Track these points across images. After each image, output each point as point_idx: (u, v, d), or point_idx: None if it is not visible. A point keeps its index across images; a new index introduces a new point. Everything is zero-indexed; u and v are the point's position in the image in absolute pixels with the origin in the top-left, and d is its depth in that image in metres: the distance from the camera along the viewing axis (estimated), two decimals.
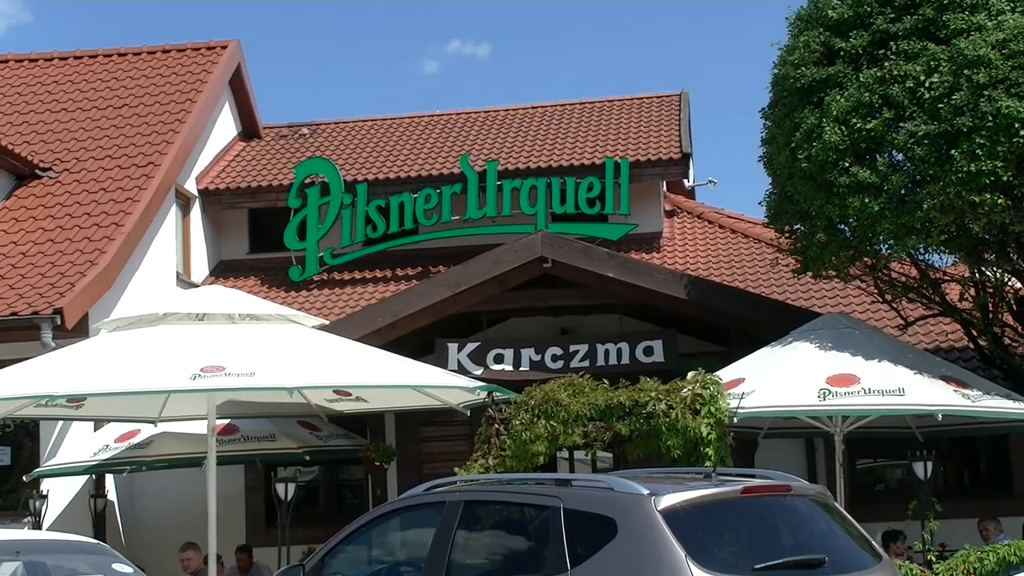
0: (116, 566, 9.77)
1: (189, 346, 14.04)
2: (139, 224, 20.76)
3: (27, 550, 9.76)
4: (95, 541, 11.37)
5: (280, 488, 17.22)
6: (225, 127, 26.15)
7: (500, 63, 65.04)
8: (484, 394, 15.08)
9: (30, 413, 15.46)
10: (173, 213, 22.85)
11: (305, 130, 27.34)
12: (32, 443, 18.95)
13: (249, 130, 27.10)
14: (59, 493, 18.69)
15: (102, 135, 23.14)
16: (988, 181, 14.45)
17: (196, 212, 24.04)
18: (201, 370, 13.45)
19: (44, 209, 21.17)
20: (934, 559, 14.40)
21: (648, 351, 18.77)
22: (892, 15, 15.46)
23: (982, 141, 14.36)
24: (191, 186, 23.96)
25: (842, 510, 9.99)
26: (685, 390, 14.63)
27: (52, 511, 18.31)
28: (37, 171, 22.06)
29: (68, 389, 13.75)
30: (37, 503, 17.74)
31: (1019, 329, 17.46)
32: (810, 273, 17.30)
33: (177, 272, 22.77)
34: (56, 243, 20.17)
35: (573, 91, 64.59)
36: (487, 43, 64.34)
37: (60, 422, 18.44)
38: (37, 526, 17.44)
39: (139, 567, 10.00)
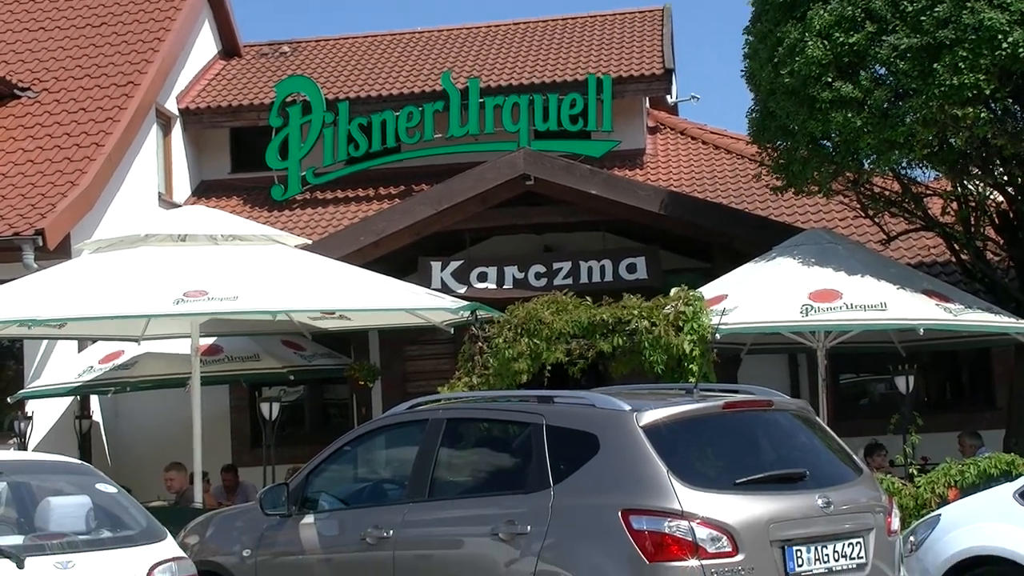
0: (100, 486, 9.77)
1: (171, 269, 14.15)
2: (120, 144, 20.70)
3: (10, 470, 9.75)
4: (79, 461, 11.42)
5: (265, 408, 17.29)
6: (205, 46, 25.97)
7: None
8: (468, 313, 15.12)
9: (12, 332, 15.61)
10: (154, 133, 22.76)
11: (286, 48, 27.15)
12: (16, 364, 19.07)
13: (229, 49, 26.88)
14: (44, 414, 18.80)
15: (81, 54, 22.99)
16: (971, 94, 14.47)
17: (177, 132, 23.93)
18: (184, 295, 13.59)
19: (24, 130, 21.07)
20: (916, 472, 14.56)
21: (631, 268, 18.85)
22: None
23: (964, 54, 14.36)
24: (171, 106, 23.83)
25: (823, 424, 10.09)
26: (668, 307, 14.64)
27: (37, 432, 18.41)
28: (16, 91, 21.93)
29: (51, 313, 13.86)
30: (22, 424, 17.87)
31: (1001, 243, 17.54)
32: (793, 189, 17.32)
33: (159, 192, 22.72)
34: (36, 164, 20.11)
35: (555, 6, 64.06)
36: None
37: (44, 343, 18.53)
38: (22, 447, 17.55)
39: (124, 487, 10.07)
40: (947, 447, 16.81)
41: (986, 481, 13.54)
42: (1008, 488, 11.42)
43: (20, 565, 8.45)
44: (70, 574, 8.61)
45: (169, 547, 9.36)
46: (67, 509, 9.27)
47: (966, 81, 14.33)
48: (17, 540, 8.86)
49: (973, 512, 11.33)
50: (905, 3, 14.76)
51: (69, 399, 19.17)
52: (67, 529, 9.05)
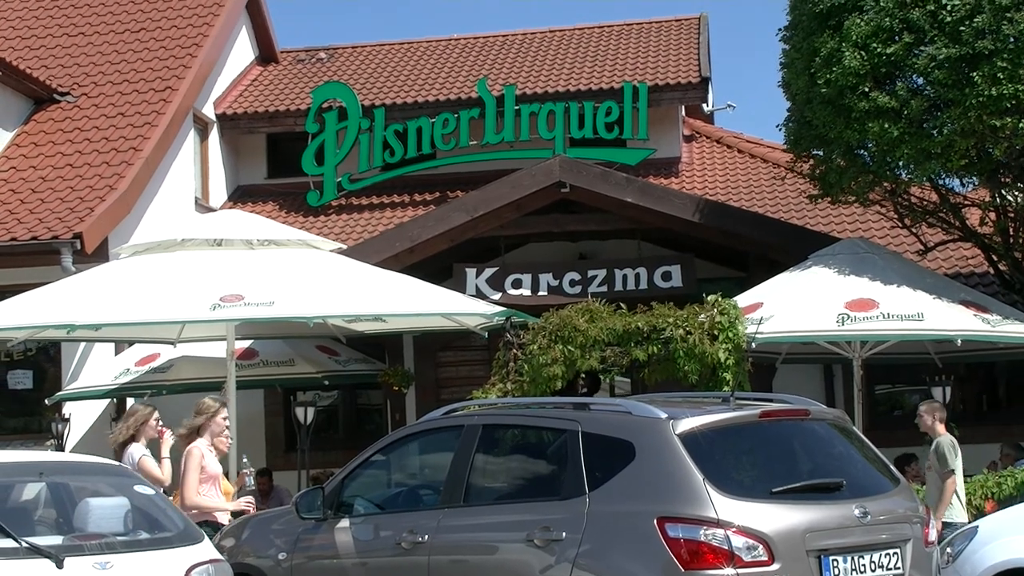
0: (137, 488, 9.77)
1: (208, 273, 14.18)
2: (157, 149, 20.81)
3: (50, 471, 9.76)
4: (117, 463, 11.47)
5: (300, 412, 17.37)
6: (242, 51, 26.10)
7: None
8: (502, 319, 15.18)
9: (51, 336, 15.68)
10: (191, 138, 22.90)
11: (322, 54, 27.24)
12: (54, 367, 19.14)
13: (266, 54, 27.00)
14: (81, 416, 18.89)
15: (120, 59, 23.11)
16: (1009, 104, 14.50)
17: (214, 137, 24.07)
18: (220, 299, 13.63)
19: (63, 134, 21.22)
20: None
21: (666, 276, 18.84)
22: None
23: (1003, 64, 14.38)
24: (209, 111, 23.98)
25: (860, 434, 10.05)
26: (703, 316, 14.67)
27: (74, 434, 18.52)
28: (55, 95, 22.08)
29: (89, 319, 13.95)
30: (59, 426, 17.96)
31: None
32: (829, 198, 17.34)
33: (196, 197, 22.85)
34: (75, 168, 20.24)
35: (591, 15, 64.00)
36: None
37: (81, 345, 18.64)
38: (60, 448, 17.62)
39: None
40: (983, 459, 16.77)
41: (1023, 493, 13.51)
42: None
43: (59, 565, 8.47)
44: (108, 575, 8.61)
45: (206, 549, 9.36)
46: (105, 510, 9.30)
47: (1005, 91, 14.36)
48: (56, 540, 8.89)
49: (1011, 524, 11.29)
50: (943, 14, 14.76)
51: (105, 401, 19.24)
52: (105, 530, 9.06)
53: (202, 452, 12.16)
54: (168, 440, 13.01)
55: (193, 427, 12.35)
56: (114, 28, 24.13)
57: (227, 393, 15.08)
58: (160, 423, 13.19)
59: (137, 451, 12.81)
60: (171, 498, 12.76)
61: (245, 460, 13.43)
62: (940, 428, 13.95)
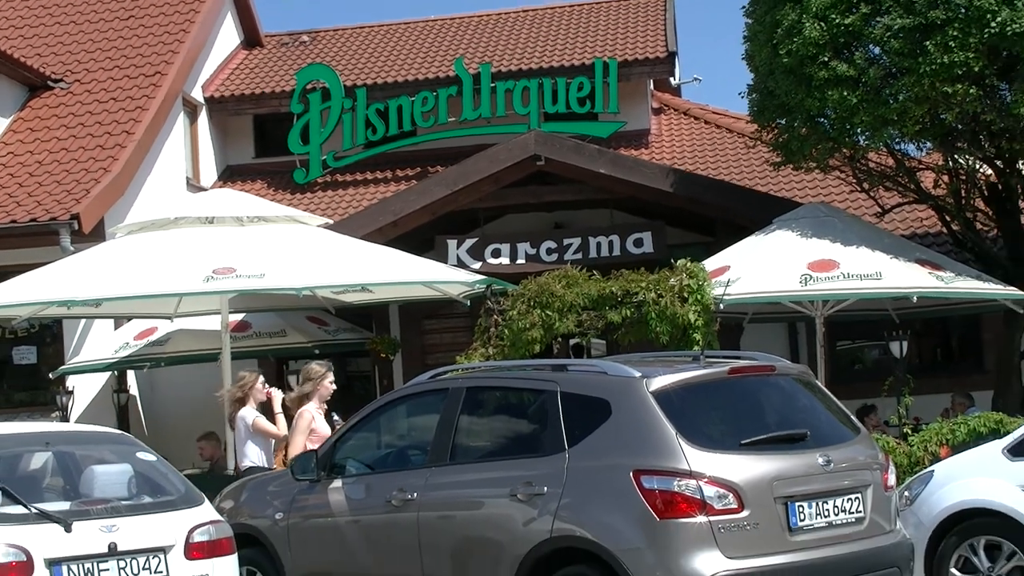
0: (140, 454, 9.97)
1: (201, 249, 14.55)
2: (149, 132, 21.13)
3: (56, 441, 9.96)
4: (120, 432, 11.72)
5: (292, 381, 17.80)
6: (228, 36, 26.32)
7: None
8: (483, 287, 15.58)
9: (53, 313, 15.97)
10: (181, 120, 23.18)
11: (305, 37, 27.37)
12: (56, 343, 19.52)
13: (251, 39, 27.20)
14: (84, 389, 19.27)
15: (110, 46, 23.36)
16: (960, 72, 14.89)
17: (203, 119, 24.33)
18: (213, 272, 13.98)
19: (57, 119, 21.50)
20: (909, 432, 14.78)
21: (638, 243, 19.28)
22: None
23: (955, 33, 14.76)
24: (197, 94, 24.23)
25: (823, 387, 10.33)
26: (673, 280, 14.93)
27: (78, 406, 18.91)
28: (49, 82, 22.36)
29: (88, 294, 14.30)
30: (64, 398, 18.33)
31: (990, 214, 17.87)
32: (791, 165, 17.64)
33: (187, 177, 23.16)
34: (70, 151, 20.56)
35: None
36: None
37: (82, 321, 18.98)
38: (64, 419, 17.94)
39: (161, 455, 10.32)
40: (938, 408, 17.21)
41: (976, 439, 13.73)
42: (997, 445, 11.55)
43: (68, 529, 8.74)
44: (114, 537, 8.87)
45: (206, 511, 9.58)
46: (110, 476, 9.50)
47: (956, 59, 14.76)
48: (64, 506, 9.12)
49: (964, 468, 11.48)
50: None
51: (107, 374, 19.61)
52: (110, 495, 9.29)
53: (312, 415, 12.80)
54: (277, 397, 13.63)
55: (303, 393, 13.00)
56: (104, 16, 24.34)
57: (222, 364, 15.47)
58: (266, 385, 13.79)
59: (249, 414, 13.46)
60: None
61: (336, 418, 13.97)
62: None
